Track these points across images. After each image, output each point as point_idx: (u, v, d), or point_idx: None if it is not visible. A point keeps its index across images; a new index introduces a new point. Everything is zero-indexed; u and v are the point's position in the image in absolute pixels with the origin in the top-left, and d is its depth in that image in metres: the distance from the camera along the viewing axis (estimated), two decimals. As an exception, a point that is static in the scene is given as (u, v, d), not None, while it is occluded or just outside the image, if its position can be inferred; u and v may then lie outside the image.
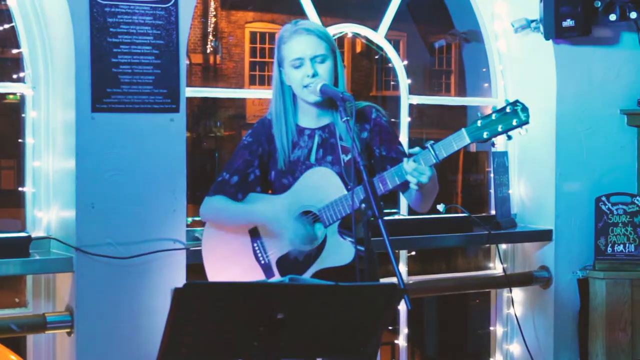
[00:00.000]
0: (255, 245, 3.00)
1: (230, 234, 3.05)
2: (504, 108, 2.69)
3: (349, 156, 2.90)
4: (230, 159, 3.07)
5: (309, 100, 2.94)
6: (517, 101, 2.69)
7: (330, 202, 2.87)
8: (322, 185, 2.90)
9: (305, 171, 2.96)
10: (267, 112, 3.06)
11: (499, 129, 2.68)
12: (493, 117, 2.69)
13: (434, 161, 2.72)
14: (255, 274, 2.98)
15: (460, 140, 2.71)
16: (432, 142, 2.72)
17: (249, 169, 3.01)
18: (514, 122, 2.67)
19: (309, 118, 3.00)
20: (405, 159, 2.76)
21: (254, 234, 3.01)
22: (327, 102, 2.95)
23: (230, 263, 3.04)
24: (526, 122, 2.67)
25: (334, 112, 2.98)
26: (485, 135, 2.69)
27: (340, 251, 2.88)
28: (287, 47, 2.93)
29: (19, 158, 3.72)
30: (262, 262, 2.97)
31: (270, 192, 3.07)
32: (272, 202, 2.97)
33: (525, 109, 2.67)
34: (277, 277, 2.93)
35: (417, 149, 2.74)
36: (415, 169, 2.72)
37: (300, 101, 3.00)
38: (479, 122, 2.70)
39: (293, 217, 2.89)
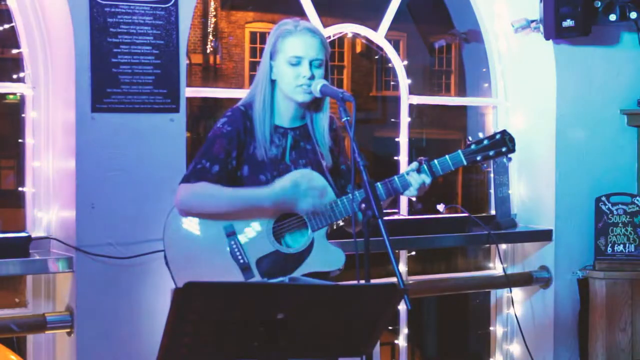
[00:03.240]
0: (232, 243, 2.86)
1: (201, 230, 2.88)
2: (493, 136, 2.99)
3: (324, 162, 2.96)
4: (206, 145, 2.87)
5: (298, 99, 2.88)
6: (504, 131, 3.01)
7: None
8: (312, 187, 2.86)
9: (287, 171, 2.89)
10: (240, 103, 2.96)
11: (490, 154, 2.99)
12: (485, 142, 2.98)
13: (429, 178, 2.92)
14: (231, 274, 2.85)
15: (457, 161, 2.95)
16: (425, 158, 2.93)
17: (228, 158, 2.87)
18: (503, 150, 2.99)
19: (284, 117, 2.95)
20: (407, 173, 2.92)
21: (229, 232, 2.88)
22: (308, 104, 2.92)
23: (202, 262, 2.87)
24: (513, 151, 3.00)
25: (312, 114, 2.96)
26: (478, 158, 2.98)
27: (329, 256, 2.88)
28: (287, 41, 2.87)
29: (19, 158, 3.72)
30: (241, 261, 2.85)
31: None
32: (270, 185, 2.85)
33: (512, 139, 3.00)
34: (257, 278, 2.84)
35: (414, 164, 2.93)
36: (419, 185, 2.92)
37: (279, 98, 2.93)
38: (472, 146, 2.98)
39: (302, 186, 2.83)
